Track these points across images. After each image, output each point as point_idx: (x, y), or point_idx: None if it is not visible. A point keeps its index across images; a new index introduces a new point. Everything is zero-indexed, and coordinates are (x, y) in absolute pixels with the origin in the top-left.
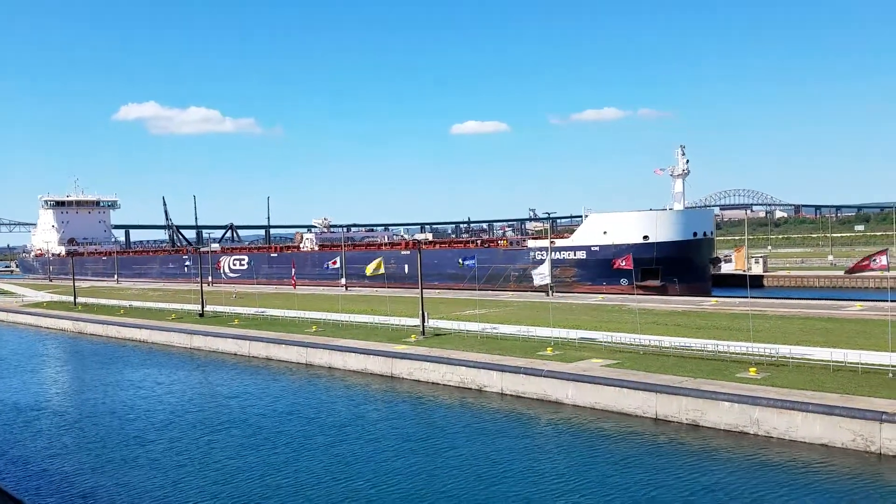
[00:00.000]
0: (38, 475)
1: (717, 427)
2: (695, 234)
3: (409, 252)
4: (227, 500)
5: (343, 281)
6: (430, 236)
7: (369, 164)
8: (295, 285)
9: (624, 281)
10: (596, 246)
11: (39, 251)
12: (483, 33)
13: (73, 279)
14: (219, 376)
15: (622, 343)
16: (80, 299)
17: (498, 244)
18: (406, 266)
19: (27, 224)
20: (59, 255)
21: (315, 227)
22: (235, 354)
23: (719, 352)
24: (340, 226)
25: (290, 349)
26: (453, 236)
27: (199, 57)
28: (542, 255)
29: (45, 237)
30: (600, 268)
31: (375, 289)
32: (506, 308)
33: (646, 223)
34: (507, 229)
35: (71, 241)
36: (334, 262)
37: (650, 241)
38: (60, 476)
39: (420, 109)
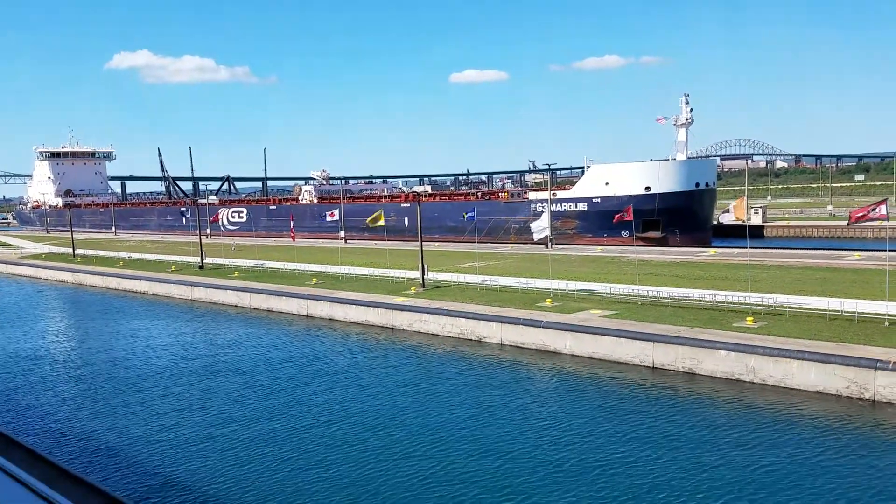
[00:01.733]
0: (39, 421)
1: (713, 375)
2: (697, 184)
3: (408, 205)
4: (224, 442)
5: (342, 234)
6: (429, 188)
7: (367, 115)
8: (294, 238)
9: (625, 233)
10: (597, 198)
11: (36, 203)
12: None
13: (72, 231)
14: (219, 327)
15: (620, 294)
16: (79, 251)
17: (499, 196)
18: (406, 219)
19: (23, 176)
20: (55, 206)
21: (314, 179)
22: (236, 306)
23: (717, 302)
24: (339, 178)
25: (290, 301)
26: (452, 189)
27: (193, 4)
28: (543, 207)
29: (42, 189)
30: (601, 219)
31: (375, 242)
32: (505, 260)
33: (648, 174)
34: (506, 181)
35: (67, 193)
36: (332, 215)
37: (652, 191)
38: (60, 422)
39: (418, 59)
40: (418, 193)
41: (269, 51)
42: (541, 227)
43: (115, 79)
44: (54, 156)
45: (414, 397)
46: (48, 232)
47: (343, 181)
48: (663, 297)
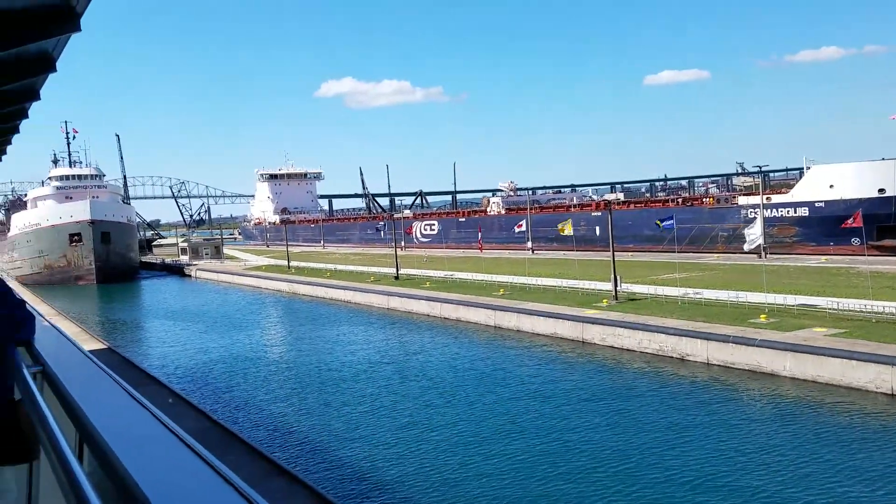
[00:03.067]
0: (252, 415)
1: None
2: None
3: (599, 213)
4: (412, 444)
5: (529, 244)
6: (621, 196)
7: (555, 125)
8: (482, 249)
9: (855, 240)
10: (820, 202)
11: (258, 220)
12: None
13: (287, 245)
14: (411, 335)
15: (850, 310)
16: (293, 263)
17: (702, 202)
18: (597, 228)
19: (246, 196)
20: (273, 223)
21: (501, 190)
22: (428, 315)
23: None
24: (527, 188)
25: (479, 311)
26: (647, 195)
27: (391, 32)
28: (755, 213)
29: (262, 207)
30: (826, 226)
31: (564, 252)
32: (711, 271)
33: (882, 175)
34: (710, 186)
35: (284, 211)
36: (520, 226)
37: (887, 194)
38: (271, 418)
39: (610, 64)
40: (609, 201)
41: (459, 70)
42: (754, 233)
43: (323, 106)
44: (273, 177)
45: (602, 414)
46: (267, 246)
47: (531, 191)
48: None
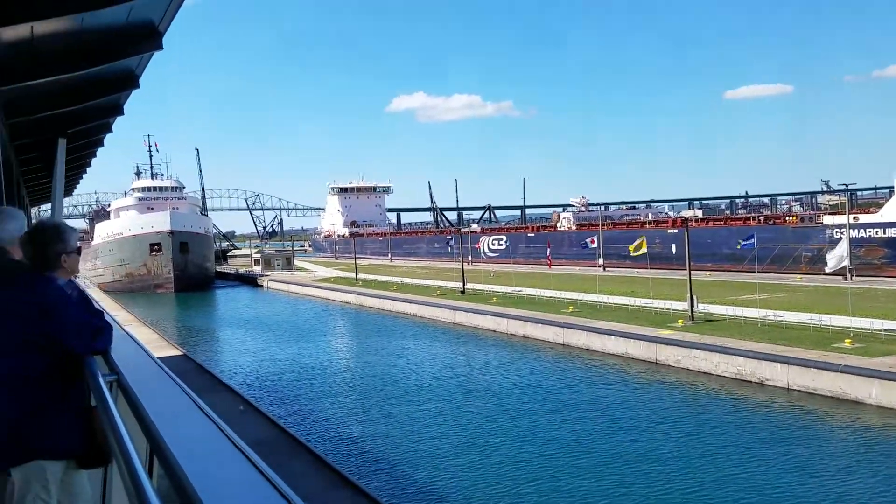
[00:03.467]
0: (318, 424)
1: None
2: None
3: (676, 230)
4: (475, 459)
5: (600, 261)
6: (699, 213)
7: (631, 140)
8: (550, 265)
9: None
10: None
11: (327, 232)
12: None
13: (355, 258)
14: (476, 350)
15: None
16: (361, 275)
17: (785, 221)
18: (673, 246)
19: (317, 209)
20: (343, 236)
21: (572, 206)
22: (494, 331)
23: None
24: (599, 204)
25: (546, 328)
26: (727, 213)
27: (463, 47)
28: (840, 232)
29: (332, 220)
30: None
31: (637, 270)
32: (792, 293)
33: None
34: (793, 204)
35: (353, 224)
36: (592, 241)
37: None
38: (335, 426)
39: (688, 78)
40: (686, 218)
41: (530, 84)
42: (838, 255)
43: (394, 120)
44: (343, 191)
45: (673, 438)
46: (336, 258)
47: (603, 207)
48: None
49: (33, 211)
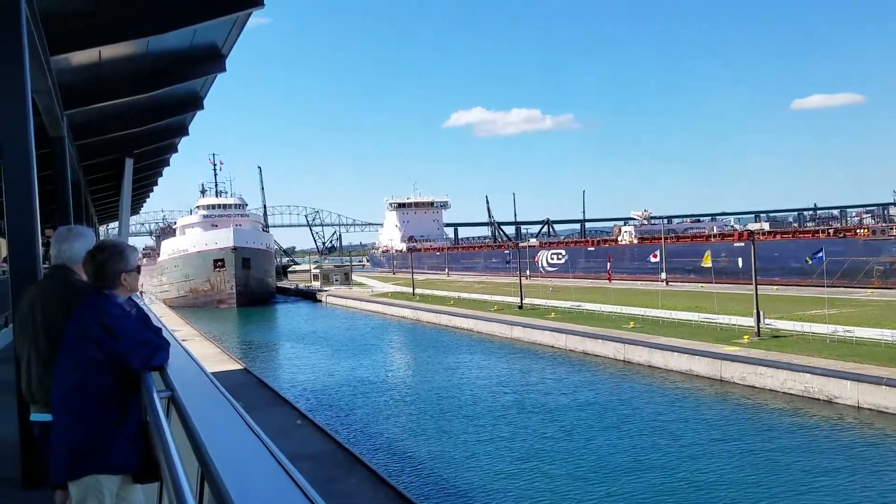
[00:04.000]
0: (373, 438)
1: None
2: None
3: (742, 244)
4: (531, 476)
5: (663, 275)
6: (766, 226)
7: (695, 153)
8: (610, 279)
9: None
10: None
11: (385, 247)
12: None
13: (412, 272)
14: (534, 366)
15: None
16: (418, 290)
17: (856, 233)
18: (739, 259)
19: (374, 224)
20: (400, 251)
21: (634, 219)
22: (552, 346)
23: None
24: (662, 217)
25: (606, 344)
26: (795, 225)
27: (522, 62)
28: None
29: (390, 235)
30: None
31: (701, 284)
32: (863, 308)
33: None
34: (864, 216)
35: (410, 239)
36: (655, 256)
37: None
38: (390, 440)
39: (754, 88)
40: (752, 231)
41: (592, 96)
42: None
43: (452, 136)
44: (401, 206)
45: (736, 458)
46: (394, 273)
47: (666, 220)
48: None
49: (101, 229)
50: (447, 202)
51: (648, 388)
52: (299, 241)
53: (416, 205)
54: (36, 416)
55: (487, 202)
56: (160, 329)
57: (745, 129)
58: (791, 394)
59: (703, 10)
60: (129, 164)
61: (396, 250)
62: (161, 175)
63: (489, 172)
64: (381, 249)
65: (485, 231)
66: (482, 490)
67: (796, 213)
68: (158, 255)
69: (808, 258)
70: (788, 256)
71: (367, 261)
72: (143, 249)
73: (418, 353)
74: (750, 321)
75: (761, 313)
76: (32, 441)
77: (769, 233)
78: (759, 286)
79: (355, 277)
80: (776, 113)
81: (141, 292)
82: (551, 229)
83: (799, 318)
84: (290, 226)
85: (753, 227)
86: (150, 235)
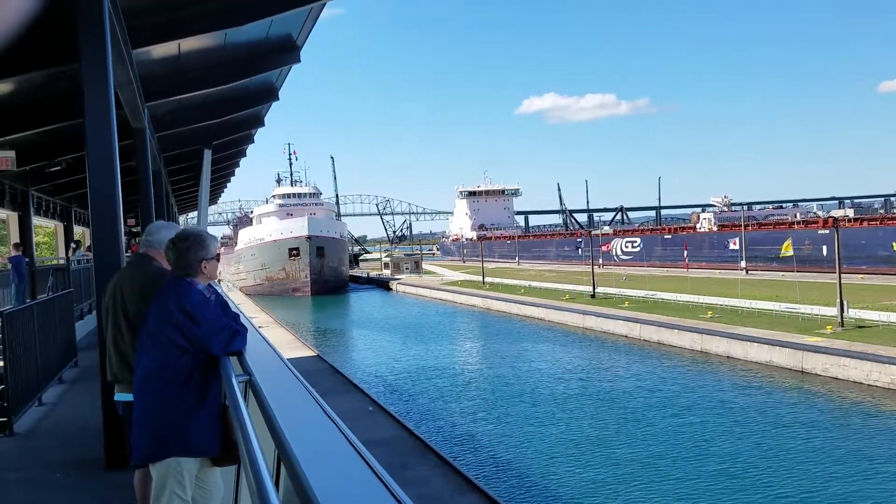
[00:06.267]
0: (442, 425)
1: None
2: None
3: (827, 231)
4: (600, 467)
5: (743, 264)
6: (850, 212)
7: (777, 137)
8: (688, 267)
9: None
10: None
11: (455, 236)
12: None
13: (482, 261)
14: (607, 356)
15: None
16: (488, 279)
17: None
18: (823, 247)
19: (444, 213)
20: (471, 239)
21: (714, 205)
22: (626, 336)
23: None
24: (742, 203)
25: (683, 335)
26: (881, 212)
27: (595, 46)
28: None
29: (460, 223)
30: None
31: (782, 273)
32: None
33: None
34: None
35: (481, 227)
36: (734, 243)
37: None
38: (459, 427)
39: (839, 69)
40: (836, 218)
41: (668, 79)
42: None
43: (524, 122)
44: (471, 194)
45: (827, 455)
46: (464, 261)
47: (746, 206)
48: None
49: (181, 219)
50: (518, 190)
51: (728, 379)
52: (370, 229)
53: (487, 193)
54: (119, 396)
55: (559, 189)
56: (238, 315)
57: (829, 113)
58: (876, 386)
59: None
60: (207, 154)
61: (467, 239)
62: (238, 165)
63: (561, 159)
64: (451, 238)
65: (556, 219)
66: (553, 477)
67: (882, 198)
68: (236, 243)
69: (894, 244)
70: (876, 244)
71: (438, 249)
72: (221, 238)
73: (488, 341)
74: (833, 311)
75: (845, 303)
76: (116, 423)
77: (855, 219)
78: (843, 275)
79: (425, 266)
80: (862, 96)
81: (219, 280)
82: (625, 217)
83: (885, 308)
84: (362, 214)
85: (837, 213)
86: (228, 224)
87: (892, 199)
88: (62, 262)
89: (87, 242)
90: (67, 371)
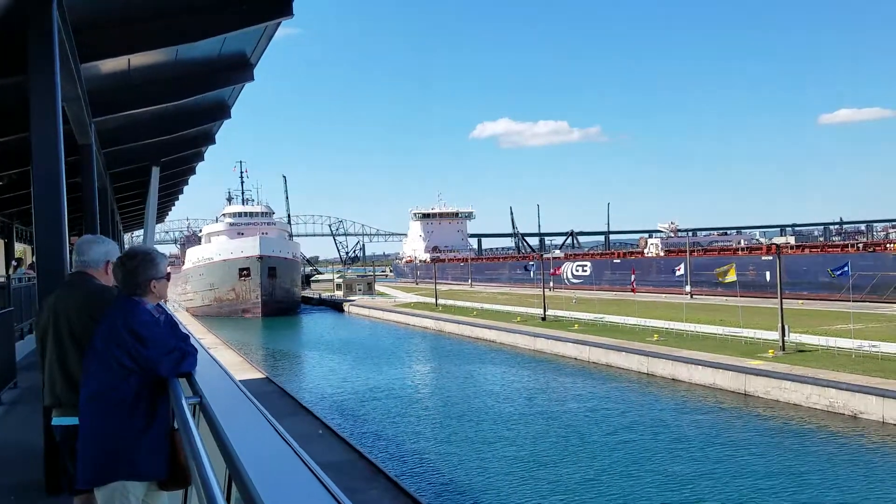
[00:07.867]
0: (394, 448)
1: None
2: None
3: (770, 257)
4: (552, 486)
5: (687, 288)
6: (791, 240)
7: (721, 166)
8: (634, 291)
9: None
10: None
11: (409, 258)
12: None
13: (436, 283)
14: (556, 377)
15: None
16: (441, 301)
17: (885, 248)
18: (767, 273)
19: (399, 234)
20: (424, 261)
21: (660, 231)
22: (576, 358)
23: None
24: (688, 230)
25: (630, 357)
26: (821, 239)
27: (549, 73)
28: None
29: (414, 245)
30: None
31: (726, 298)
32: (890, 323)
33: None
34: (889, 230)
35: (434, 249)
36: (679, 269)
37: None
38: (410, 450)
39: (781, 102)
40: (779, 245)
41: (621, 110)
42: None
43: (478, 146)
44: (425, 217)
45: (761, 470)
46: (417, 283)
47: (691, 233)
48: None
49: (126, 237)
50: (472, 213)
51: (673, 401)
52: (323, 250)
53: (441, 215)
54: (58, 420)
55: (511, 213)
56: (188, 336)
57: (772, 144)
58: (816, 408)
59: (728, 28)
60: (155, 172)
61: (420, 261)
62: (187, 183)
63: (514, 184)
64: (404, 260)
65: (509, 242)
66: (500, 498)
67: (822, 227)
68: (183, 263)
69: (829, 270)
70: (817, 271)
71: (391, 271)
72: (168, 257)
73: (440, 363)
74: (775, 335)
75: (786, 327)
76: (57, 447)
77: (798, 246)
78: (785, 300)
79: (379, 287)
80: (803, 128)
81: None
82: (576, 241)
83: (824, 332)
84: (314, 235)
85: (779, 240)
86: (175, 243)
87: (831, 227)
88: (2, 279)
89: (29, 260)
90: (7, 392)
